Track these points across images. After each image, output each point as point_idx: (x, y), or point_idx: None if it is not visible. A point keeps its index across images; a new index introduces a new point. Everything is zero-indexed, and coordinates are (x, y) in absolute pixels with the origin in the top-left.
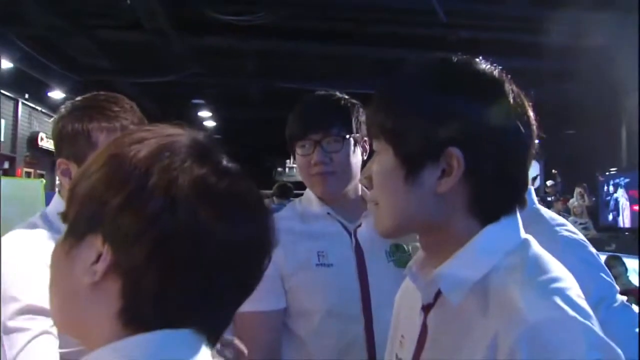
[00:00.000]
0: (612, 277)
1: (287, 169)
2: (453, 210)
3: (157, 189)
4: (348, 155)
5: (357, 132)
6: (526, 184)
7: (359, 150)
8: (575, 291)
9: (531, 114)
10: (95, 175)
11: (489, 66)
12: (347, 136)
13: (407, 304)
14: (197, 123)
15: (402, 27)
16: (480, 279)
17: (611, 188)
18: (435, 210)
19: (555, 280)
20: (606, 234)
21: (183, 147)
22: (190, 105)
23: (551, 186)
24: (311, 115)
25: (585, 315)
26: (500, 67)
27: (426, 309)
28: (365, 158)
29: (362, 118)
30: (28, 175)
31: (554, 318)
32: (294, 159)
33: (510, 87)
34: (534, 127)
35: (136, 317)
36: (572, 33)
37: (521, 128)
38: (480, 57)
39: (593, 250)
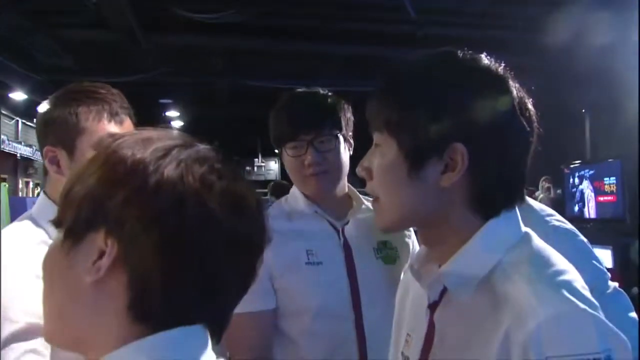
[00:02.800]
0: (602, 264)
1: (255, 168)
2: (454, 205)
3: (163, 184)
4: (339, 153)
5: (345, 129)
6: (525, 179)
7: (347, 146)
8: (580, 283)
9: (532, 110)
10: (93, 176)
11: (493, 62)
12: (338, 134)
13: (409, 301)
14: (165, 123)
15: (371, 24)
16: (486, 276)
17: (576, 180)
18: (437, 204)
19: (560, 273)
20: (573, 225)
21: (175, 146)
22: (157, 105)
23: None
24: (301, 115)
25: (593, 307)
26: (503, 64)
27: (432, 307)
28: (350, 153)
29: (348, 114)
30: None
31: (565, 312)
32: (281, 158)
33: (513, 84)
34: (535, 123)
35: (145, 311)
36: (539, 28)
37: (524, 124)
38: (485, 53)
39: (583, 238)
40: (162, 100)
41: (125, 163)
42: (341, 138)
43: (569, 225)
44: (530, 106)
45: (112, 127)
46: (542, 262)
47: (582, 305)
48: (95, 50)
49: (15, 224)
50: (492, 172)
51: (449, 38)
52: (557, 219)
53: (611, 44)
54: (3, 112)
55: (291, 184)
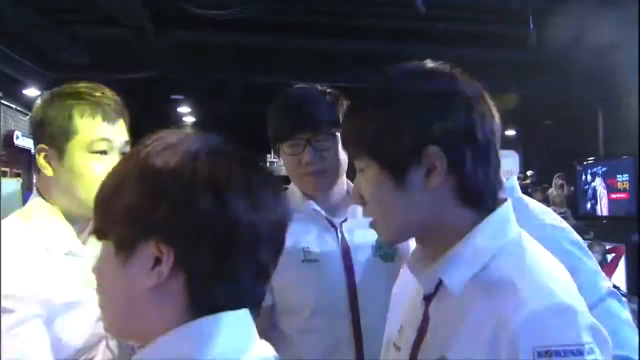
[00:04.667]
0: (597, 264)
1: (267, 164)
2: (446, 204)
3: (202, 187)
4: (338, 151)
5: None
6: (499, 167)
7: None
8: (568, 279)
9: (493, 106)
10: (131, 191)
11: (446, 69)
12: (336, 132)
13: (405, 295)
14: (177, 119)
15: (382, 19)
16: (480, 270)
17: (589, 177)
18: (429, 207)
19: (550, 269)
20: (585, 223)
21: (201, 148)
22: (169, 101)
23: (531, 176)
24: (298, 113)
25: (579, 301)
26: (457, 68)
27: (427, 299)
28: None
29: None
30: (4, 174)
31: (552, 306)
32: (278, 156)
33: (469, 88)
34: (497, 118)
35: (205, 305)
36: (552, 24)
37: (486, 118)
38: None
39: (578, 237)
40: (173, 96)
41: (162, 173)
42: (339, 136)
43: (564, 224)
44: (490, 103)
45: (105, 131)
46: (532, 259)
47: (567, 300)
48: (107, 47)
49: (4, 221)
50: (469, 165)
51: (459, 34)
52: (552, 218)
53: (625, 39)
54: (17, 108)
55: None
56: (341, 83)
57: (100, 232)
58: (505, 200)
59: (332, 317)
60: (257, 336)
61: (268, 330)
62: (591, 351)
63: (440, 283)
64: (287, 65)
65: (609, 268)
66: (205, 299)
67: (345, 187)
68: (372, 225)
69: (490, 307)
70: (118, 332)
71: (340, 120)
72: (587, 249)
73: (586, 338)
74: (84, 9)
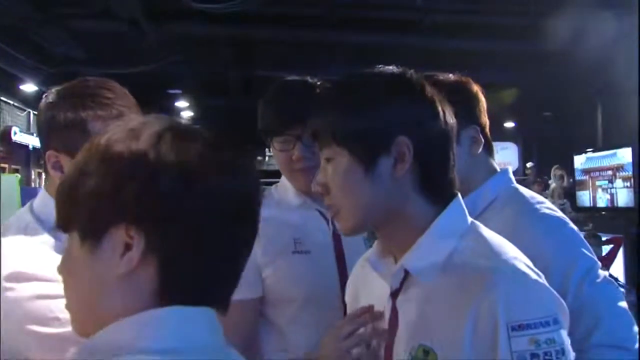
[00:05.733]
0: (593, 252)
1: (267, 158)
2: (408, 193)
3: (168, 169)
4: None
5: None
6: (455, 162)
7: None
8: (525, 258)
9: (449, 108)
10: (94, 176)
11: (407, 71)
12: None
13: (364, 292)
14: (175, 113)
15: (379, 11)
16: (444, 260)
17: None
18: (394, 196)
19: (508, 252)
20: (583, 214)
21: (165, 130)
22: (167, 95)
23: (531, 168)
24: (288, 109)
25: (540, 276)
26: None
27: (394, 295)
28: None
29: None
30: (2, 170)
31: (521, 282)
32: (269, 151)
33: (430, 89)
34: (453, 117)
35: (174, 293)
36: (550, 14)
37: (446, 119)
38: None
39: (574, 226)
40: (171, 91)
41: (124, 157)
42: None
43: (559, 214)
44: (447, 105)
45: None
46: (492, 245)
47: (533, 276)
48: (104, 41)
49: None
50: (432, 158)
51: (456, 25)
52: (547, 207)
53: (624, 29)
54: (14, 104)
55: (278, 175)
56: (339, 76)
57: (64, 224)
58: (456, 194)
59: (324, 309)
60: (219, 336)
61: (257, 321)
62: (555, 321)
63: (405, 277)
64: (285, 58)
65: (606, 259)
66: (177, 284)
67: None
68: (334, 215)
69: (463, 292)
70: (87, 330)
71: None
72: (582, 237)
73: (551, 309)
74: (81, 3)
